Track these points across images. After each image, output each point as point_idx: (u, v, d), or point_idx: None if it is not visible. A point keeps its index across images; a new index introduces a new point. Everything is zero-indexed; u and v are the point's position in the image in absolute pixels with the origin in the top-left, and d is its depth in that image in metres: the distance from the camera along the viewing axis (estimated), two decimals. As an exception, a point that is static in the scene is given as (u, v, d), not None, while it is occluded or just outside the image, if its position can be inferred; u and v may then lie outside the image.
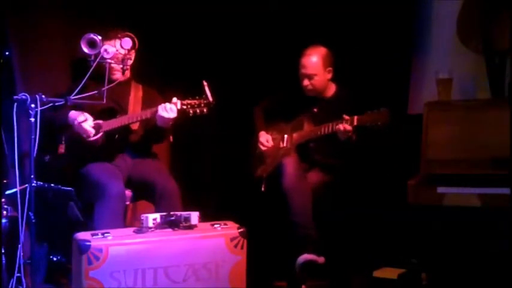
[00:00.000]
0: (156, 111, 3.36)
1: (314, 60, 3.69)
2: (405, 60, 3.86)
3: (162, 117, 3.36)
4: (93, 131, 3.41)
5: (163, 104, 3.36)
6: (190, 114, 3.35)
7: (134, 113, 3.53)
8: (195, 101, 3.35)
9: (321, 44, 3.73)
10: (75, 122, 3.40)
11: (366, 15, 3.85)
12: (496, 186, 2.97)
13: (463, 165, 3.13)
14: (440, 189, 3.09)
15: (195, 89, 3.37)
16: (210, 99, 3.33)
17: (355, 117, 3.40)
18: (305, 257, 3.41)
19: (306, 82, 3.71)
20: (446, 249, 3.14)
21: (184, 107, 3.35)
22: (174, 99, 3.37)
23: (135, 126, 3.57)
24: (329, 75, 3.74)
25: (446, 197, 3.07)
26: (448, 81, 3.58)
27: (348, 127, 3.40)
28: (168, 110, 3.34)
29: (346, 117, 3.41)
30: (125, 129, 3.50)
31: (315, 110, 3.77)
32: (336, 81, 3.79)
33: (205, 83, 3.34)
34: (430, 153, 3.25)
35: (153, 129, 3.51)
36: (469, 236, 3.10)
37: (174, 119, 3.38)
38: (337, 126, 3.44)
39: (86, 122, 3.40)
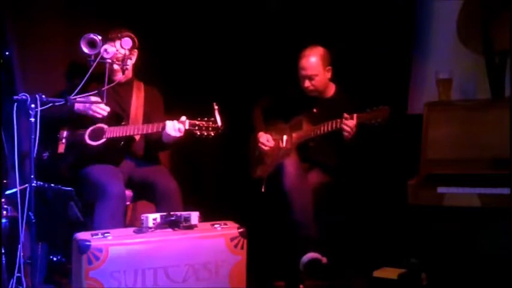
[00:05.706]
0: (164, 127, 3.33)
1: (313, 60, 3.68)
2: (405, 60, 3.86)
3: (168, 135, 3.34)
4: (107, 108, 3.38)
5: (171, 122, 3.32)
6: (197, 136, 3.33)
7: (140, 125, 3.49)
8: (204, 122, 3.31)
9: (319, 44, 3.72)
10: (86, 105, 3.38)
11: (366, 15, 3.86)
12: (496, 186, 2.97)
13: (463, 165, 3.13)
14: (440, 189, 3.09)
15: (200, 91, 3.33)
16: (219, 123, 3.29)
17: (355, 115, 3.40)
18: (310, 255, 3.41)
19: (307, 83, 3.71)
20: (446, 249, 3.15)
21: (192, 128, 3.32)
22: (183, 118, 3.34)
23: (138, 136, 3.55)
24: (329, 74, 3.74)
25: (446, 197, 3.07)
26: (448, 81, 3.58)
27: (352, 122, 3.39)
28: (176, 130, 3.31)
29: (347, 115, 3.42)
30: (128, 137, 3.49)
31: (315, 110, 3.77)
32: (337, 81, 3.79)
33: (215, 106, 3.30)
34: (430, 153, 3.26)
35: (157, 142, 3.50)
36: (469, 236, 3.11)
37: (180, 138, 3.36)
38: (340, 123, 3.42)
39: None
